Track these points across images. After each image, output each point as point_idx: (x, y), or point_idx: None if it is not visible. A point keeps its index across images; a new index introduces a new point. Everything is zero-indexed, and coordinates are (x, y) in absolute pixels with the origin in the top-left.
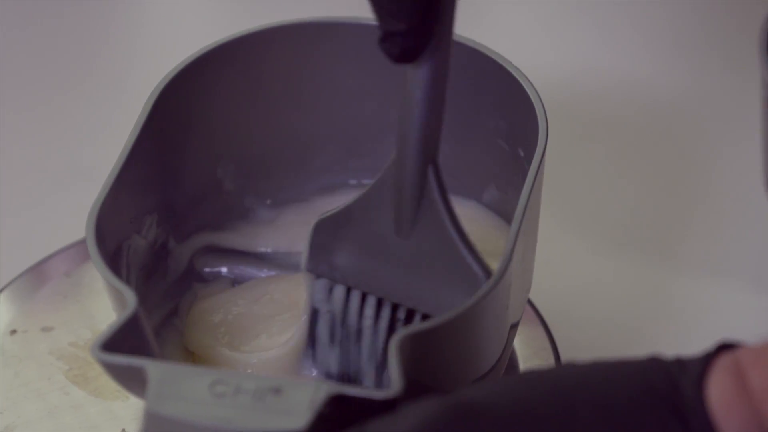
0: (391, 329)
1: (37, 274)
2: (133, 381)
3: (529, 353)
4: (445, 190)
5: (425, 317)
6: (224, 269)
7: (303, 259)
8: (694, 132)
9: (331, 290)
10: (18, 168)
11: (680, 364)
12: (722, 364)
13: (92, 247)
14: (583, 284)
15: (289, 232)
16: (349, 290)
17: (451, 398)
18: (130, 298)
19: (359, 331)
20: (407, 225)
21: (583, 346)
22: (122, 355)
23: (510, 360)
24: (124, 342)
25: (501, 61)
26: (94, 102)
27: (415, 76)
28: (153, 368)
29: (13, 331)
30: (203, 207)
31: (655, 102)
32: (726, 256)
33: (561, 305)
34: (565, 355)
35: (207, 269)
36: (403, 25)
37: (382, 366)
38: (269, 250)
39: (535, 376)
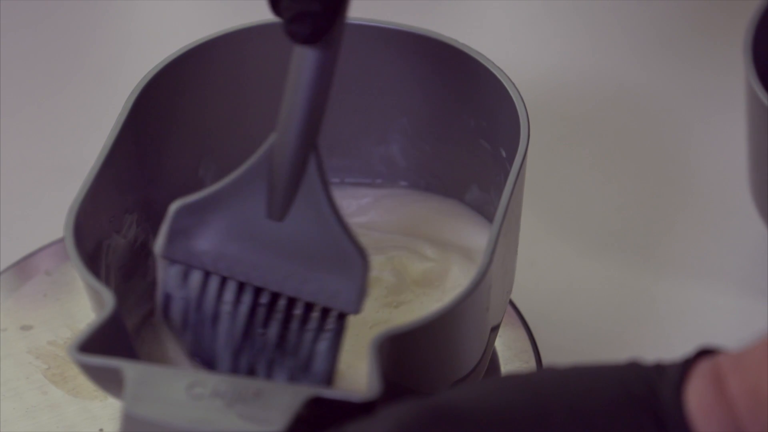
0: (286, 324)
1: (17, 272)
2: (110, 382)
3: (510, 355)
4: (325, 174)
5: (325, 312)
6: None
7: (158, 245)
8: (679, 133)
9: (186, 276)
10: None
11: (659, 369)
12: (701, 369)
13: (71, 247)
14: (566, 286)
15: None
16: (208, 275)
17: (428, 401)
18: (109, 299)
19: (216, 317)
20: (282, 207)
21: (566, 348)
22: (99, 356)
23: (491, 362)
24: (102, 343)
25: (483, 61)
26: (78, 100)
27: (308, 60)
28: (130, 369)
29: None
30: None
31: (640, 103)
32: (710, 260)
33: (543, 307)
34: (547, 358)
35: None
36: (317, 6)
37: (239, 352)
38: None
39: (513, 380)
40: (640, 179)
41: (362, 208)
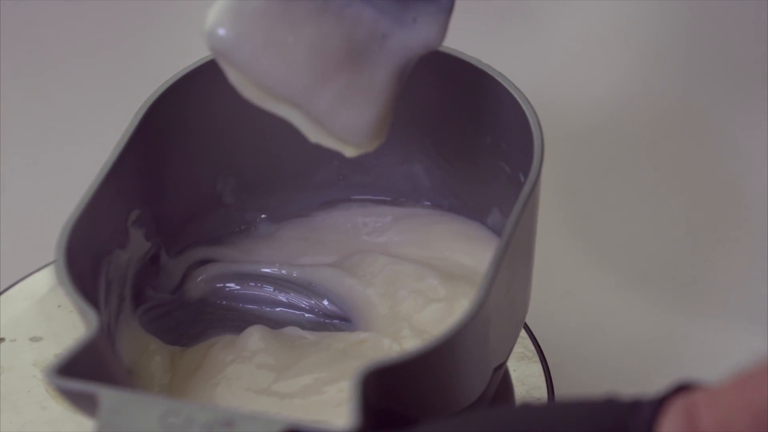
0: None
1: (33, 283)
2: (86, 406)
3: (522, 391)
4: None
5: None
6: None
7: None
8: (732, 160)
9: None
10: (16, 176)
11: (635, 406)
12: (677, 406)
13: (61, 264)
14: (597, 319)
15: (288, 247)
16: None
17: None
18: (93, 320)
19: None
20: None
21: (587, 385)
22: (78, 379)
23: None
24: (83, 364)
25: (504, 83)
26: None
27: None
28: (105, 395)
29: (1, 340)
30: (200, 221)
31: (689, 127)
32: (752, 302)
33: (571, 339)
34: (564, 395)
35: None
36: None
37: None
38: (267, 265)
39: (488, 415)
40: (688, 212)
41: (383, 227)
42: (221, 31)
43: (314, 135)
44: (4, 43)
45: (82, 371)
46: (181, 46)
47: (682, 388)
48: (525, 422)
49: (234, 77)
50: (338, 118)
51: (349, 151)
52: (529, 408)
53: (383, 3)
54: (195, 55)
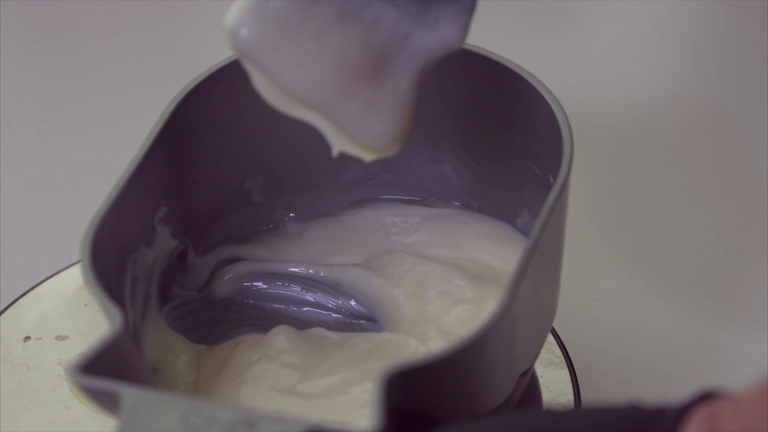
0: None
1: (60, 281)
2: (108, 403)
3: (549, 397)
4: None
5: None
6: (245, 283)
7: None
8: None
9: None
10: (44, 175)
11: (658, 413)
12: (701, 414)
13: (87, 263)
14: (628, 324)
15: (316, 246)
16: None
17: None
18: (116, 318)
19: None
20: None
21: (615, 389)
22: (100, 377)
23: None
24: (105, 362)
25: (535, 83)
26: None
27: None
28: (128, 394)
29: (27, 338)
30: (228, 219)
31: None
32: None
33: (602, 344)
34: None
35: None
36: None
37: None
38: (295, 264)
39: (509, 419)
40: (721, 217)
41: (412, 227)
42: (244, 32)
43: (338, 142)
44: (35, 44)
45: (105, 369)
46: (210, 43)
47: (705, 397)
48: (547, 427)
49: (259, 82)
50: (364, 127)
51: (369, 157)
52: (551, 413)
53: (404, 2)
54: (223, 53)
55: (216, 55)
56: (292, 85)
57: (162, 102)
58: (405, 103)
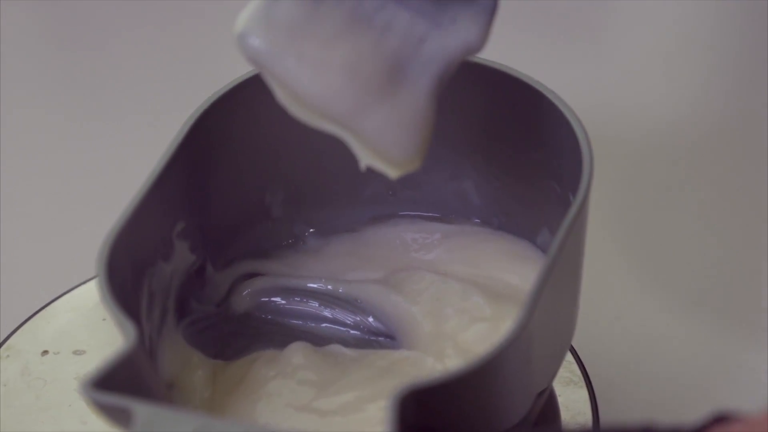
0: None
1: (79, 295)
2: (122, 421)
3: (567, 417)
4: None
5: None
6: (264, 298)
7: None
8: None
9: None
10: (65, 189)
11: None
12: None
13: (103, 278)
14: (647, 344)
15: (335, 262)
16: None
17: None
18: (130, 333)
19: None
20: None
21: (634, 410)
22: (113, 393)
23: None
24: (119, 378)
25: (556, 101)
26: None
27: None
28: (140, 410)
29: (45, 352)
30: (247, 233)
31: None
32: None
33: (621, 364)
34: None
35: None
36: None
37: None
38: (313, 280)
39: None
40: (743, 237)
41: (431, 243)
42: (250, 38)
43: (365, 156)
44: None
45: (119, 385)
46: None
47: (719, 419)
48: None
49: (280, 94)
50: (385, 141)
51: (394, 172)
52: None
53: (419, 3)
54: (244, 67)
55: (237, 66)
56: (308, 97)
57: (184, 112)
58: (425, 113)
